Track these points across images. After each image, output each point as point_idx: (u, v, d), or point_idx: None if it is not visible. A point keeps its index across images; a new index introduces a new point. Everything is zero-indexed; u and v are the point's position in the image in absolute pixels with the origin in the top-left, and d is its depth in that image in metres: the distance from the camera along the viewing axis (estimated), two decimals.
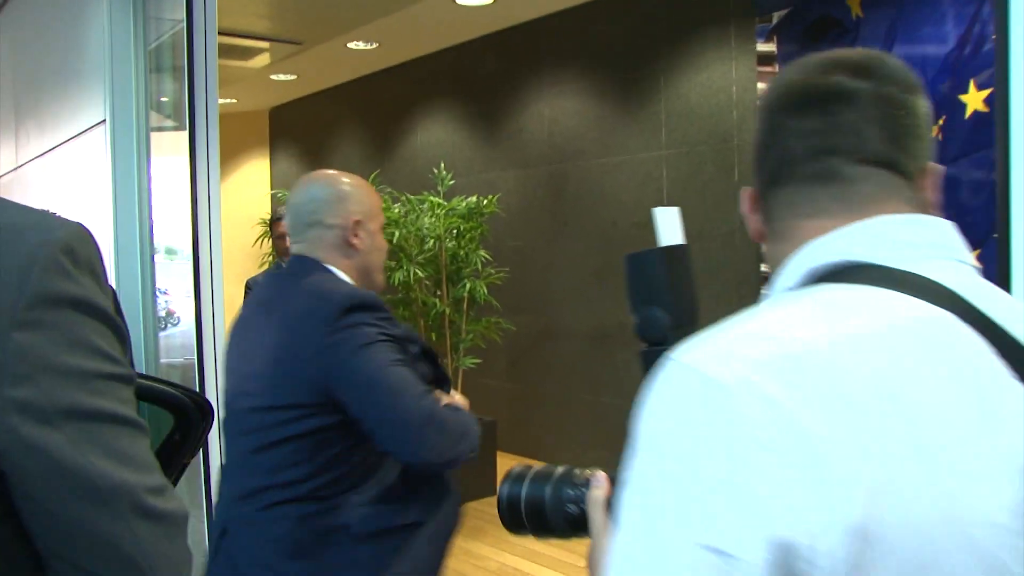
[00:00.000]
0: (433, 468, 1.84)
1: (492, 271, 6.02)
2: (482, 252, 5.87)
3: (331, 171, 1.93)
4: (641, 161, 5.95)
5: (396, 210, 5.67)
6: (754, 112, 5.34)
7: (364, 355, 1.66)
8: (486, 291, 5.78)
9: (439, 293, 5.78)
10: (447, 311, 5.69)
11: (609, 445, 6.18)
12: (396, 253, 5.61)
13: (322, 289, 1.74)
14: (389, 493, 1.78)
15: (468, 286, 5.70)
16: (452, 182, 6.03)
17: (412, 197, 5.82)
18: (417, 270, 5.51)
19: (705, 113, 5.54)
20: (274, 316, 1.78)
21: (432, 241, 5.68)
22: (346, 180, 1.89)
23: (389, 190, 5.85)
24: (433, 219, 5.68)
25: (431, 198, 5.75)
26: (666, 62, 5.76)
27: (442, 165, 6.09)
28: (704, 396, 0.68)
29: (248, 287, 4.49)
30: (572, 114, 6.46)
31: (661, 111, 5.82)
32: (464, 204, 5.82)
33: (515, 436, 6.88)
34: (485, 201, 5.89)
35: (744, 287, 5.17)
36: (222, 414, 1.86)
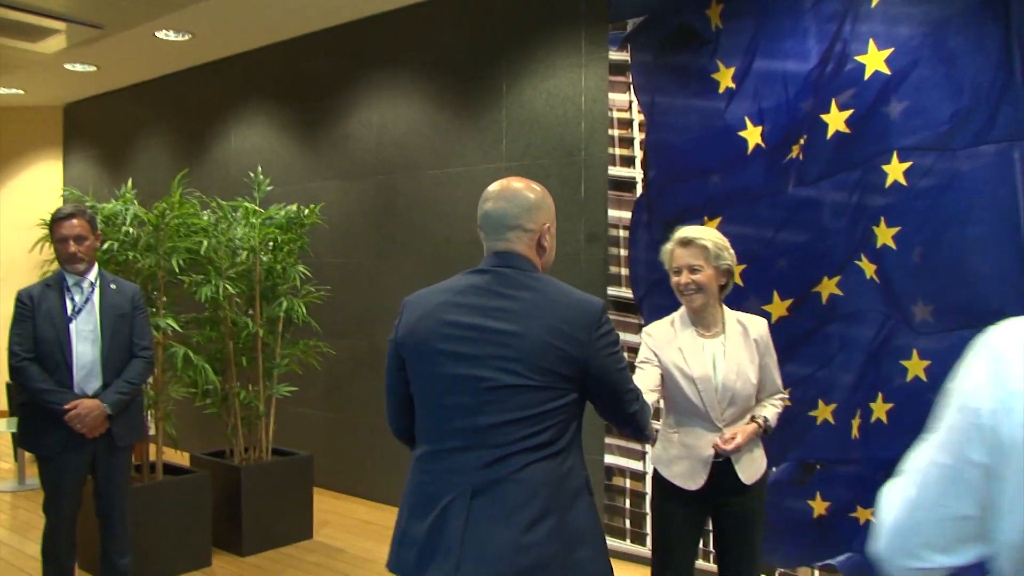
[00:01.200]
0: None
1: (312, 289, 5.47)
2: (301, 267, 5.29)
3: (524, 179, 2.19)
4: (479, 173, 5.53)
5: (206, 217, 5.01)
6: (604, 124, 5.08)
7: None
8: (304, 311, 5.20)
9: (251, 312, 5.15)
10: (260, 332, 5.07)
11: None
12: (204, 266, 4.94)
13: (572, 294, 2.10)
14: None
15: (285, 305, 5.11)
16: (270, 188, 5.41)
17: (225, 203, 5.16)
18: (227, 285, 4.86)
19: (551, 124, 5.18)
20: (530, 309, 2.04)
21: (245, 253, 5.05)
22: (538, 189, 2.19)
23: (198, 195, 5.17)
24: (248, 228, 5.05)
25: (246, 204, 5.12)
26: (509, 68, 5.37)
27: (259, 169, 5.45)
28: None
29: (22, 301, 3.74)
30: (404, 121, 5.97)
31: (502, 120, 5.42)
32: (283, 213, 5.22)
33: (333, 471, 6.28)
34: (307, 211, 5.30)
35: None
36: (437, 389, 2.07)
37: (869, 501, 4.01)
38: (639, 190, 4.73)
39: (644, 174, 4.71)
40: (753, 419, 2.94)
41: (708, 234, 2.93)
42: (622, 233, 4.81)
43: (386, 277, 6.09)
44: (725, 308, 3.01)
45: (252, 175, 5.44)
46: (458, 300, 2.09)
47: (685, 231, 2.94)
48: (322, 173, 6.53)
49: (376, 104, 6.15)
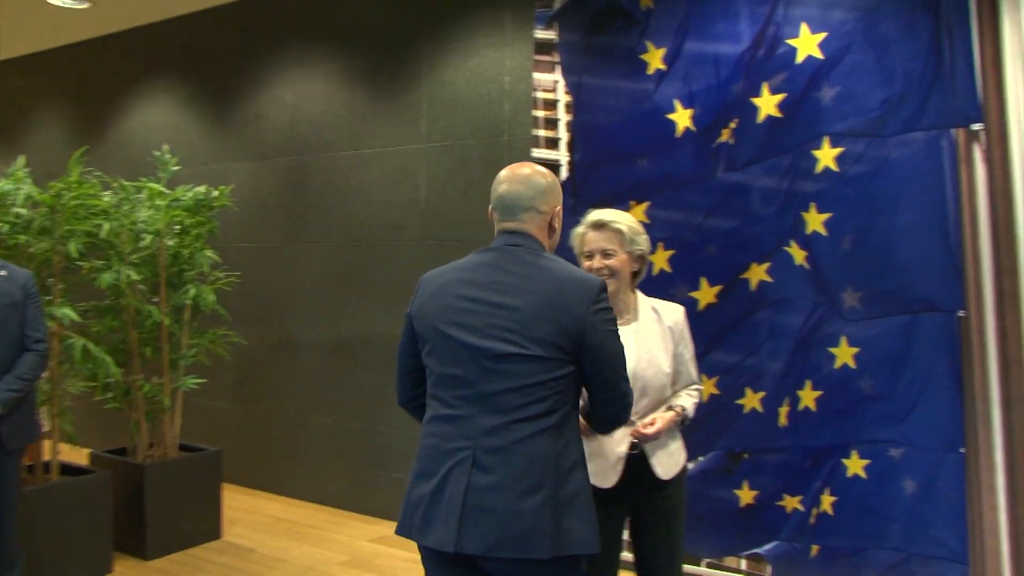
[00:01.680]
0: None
1: (221, 275, 5.19)
2: (209, 253, 5.00)
3: (536, 165, 2.33)
4: (397, 155, 5.33)
5: (107, 198, 4.69)
6: (529, 104, 4.94)
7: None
8: (213, 298, 4.92)
9: (156, 300, 4.86)
10: (165, 321, 4.79)
11: (351, 475, 5.49)
12: (105, 251, 4.64)
13: (573, 271, 2.21)
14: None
15: (192, 292, 4.83)
16: (177, 168, 5.11)
17: (128, 184, 4.85)
18: (130, 272, 4.56)
19: (473, 104, 5.01)
20: (531, 283, 2.16)
21: (150, 237, 4.74)
22: (549, 173, 2.33)
23: (98, 174, 4.84)
24: (152, 211, 4.75)
25: (151, 185, 4.82)
26: (430, 46, 5.18)
27: (165, 148, 5.15)
28: None
29: None
30: (318, 100, 5.73)
31: (422, 100, 5.23)
32: (191, 195, 4.92)
33: (243, 466, 6.02)
34: (216, 192, 5.02)
35: None
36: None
37: (797, 489, 3.97)
38: (564, 173, 4.60)
39: (570, 157, 4.58)
40: (671, 408, 2.81)
41: (622, 218, 2.80)
42: None
43: (299, 262, 5.84)
44: (639, 294, 2.87)
45: (157, 154, 5.13)
46: (467, 276, 2.23)
47: (598, 214, 2.81)
48: (232, 153, 6.23)
49: (289, 81, 5.88)
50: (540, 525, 2.05)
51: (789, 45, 3.94)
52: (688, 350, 2.87)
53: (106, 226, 4.49)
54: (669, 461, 2.80)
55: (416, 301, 2.30)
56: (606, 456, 2.70)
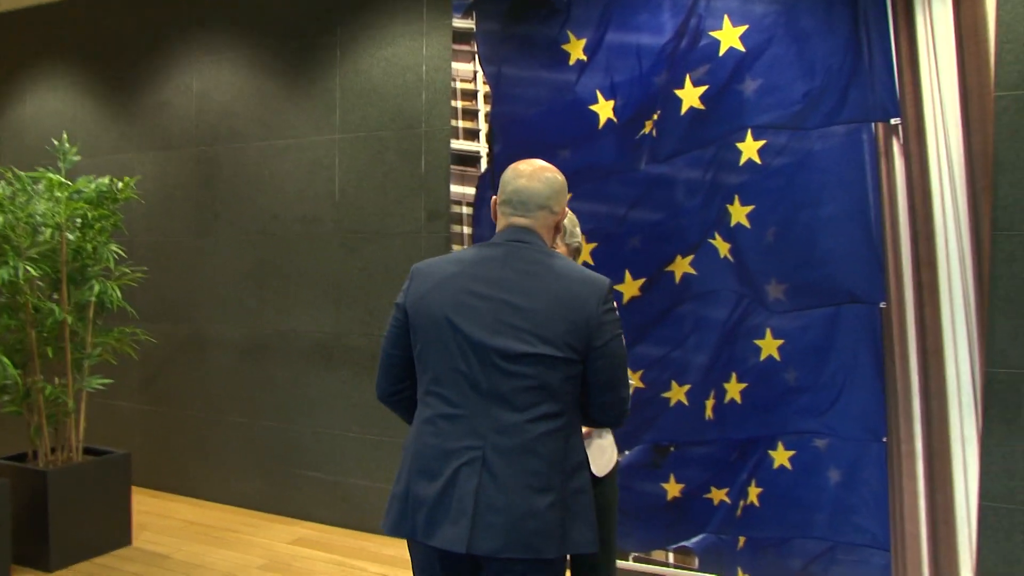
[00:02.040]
0: None
1: (127, 270, 4.97)
2: (114, 247, 4.77)
3: (548, 164, 2.31)
4: (310, 146, 5.17)
5: (0, 190, 4.43)
6: (447, 95, 4.84)
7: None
8: (119, 295, 4.69)
9: (57, 296, 4.61)
10: (68, 319, 4.54)
11: (267, 476, 5.33)
12: (0, 245, 4.38)
13: (582, 270, 2.19)
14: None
15: (96, 288, 4.60)
16: (77, 158, 4.85)
17: (23, 174, 4.58)
18: (28, 267, 4.32)
19: (389, 94, 4.88)
20: (542, 282, 2.14)
21: (49, 231, 4.50)
22: (562, 175, 2.32)
23: None
24: (51, 203, 4.50)
25: (50, 176, 4.56)
26: (344, 33, 5.03)
27: (64, 136, 4.89)
28: None
29: None
30: (227, 88, 5.52)
31: (336, 89, 5.07)
32: (93, 186, 4.68)
33: (153, 469, 5.80)
34: (120, 184, 4.79)
35: None
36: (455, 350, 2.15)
37: (723, 482, 3.99)
38: (484, 165, 4.52)
39: (489, 148, 4.51)
40: None
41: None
42: (465, 210, 4.59)
43: (208, 257, 5.63)
44: None
45: (56, 143, 4.86)
46: (473, 271, 2.19)
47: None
48: (136, 143, 5.96)
49: (196, 69, 5.65)
50: (549, 525, 2.06)
51: (712, 37, 3.93)
52: None
53: (1, 219, 4.24)
54: (602, 458, 2.78)
55: (412, 291, 2.24)
56: None
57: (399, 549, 4.70)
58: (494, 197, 2.30)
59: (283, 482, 5.33)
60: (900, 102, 3.63)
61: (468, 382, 2.12)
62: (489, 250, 2.22)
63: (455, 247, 4.60)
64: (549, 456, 2.08)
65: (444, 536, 2.06)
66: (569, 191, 4.22)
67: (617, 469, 2.89)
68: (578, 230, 2.82)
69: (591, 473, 2.73)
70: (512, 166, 2.31)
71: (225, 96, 5.52)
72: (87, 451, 4.85)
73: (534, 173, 2.27)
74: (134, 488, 5.00)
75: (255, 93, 5.40)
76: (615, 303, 2.21)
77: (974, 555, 3.56)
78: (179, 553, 4.66)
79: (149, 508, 5.42)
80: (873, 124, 3.67)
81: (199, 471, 5.69)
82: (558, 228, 2.31)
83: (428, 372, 2.19)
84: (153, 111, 5.85)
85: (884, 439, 3.67)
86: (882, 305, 3.66)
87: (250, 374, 5.46)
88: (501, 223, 2.28)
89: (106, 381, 4.79)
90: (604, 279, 2.17)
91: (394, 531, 2.17)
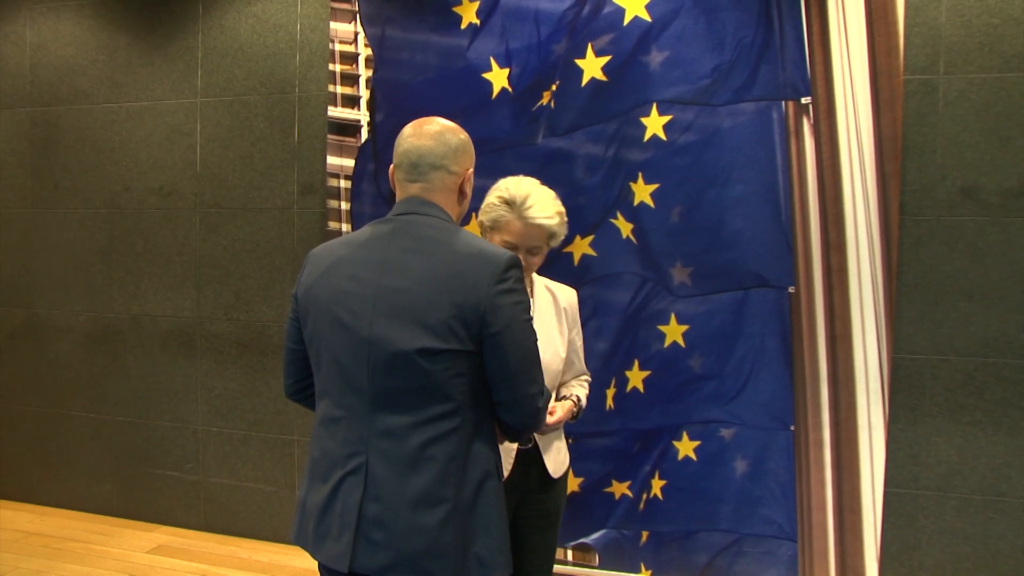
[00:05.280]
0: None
1: None
2: None
3: (447, 121, 2.04)
4: (167, 109, 4.67)
5: None
6: (324, 57, 4.45)
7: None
8: None
9: None
10: None
11: (118, 476, 4.86)
12: None
13: (481, 244, 1.92)
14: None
15: None
16: None
17: None
18: None
19: (259, 55, 4.45)
20: (427, 261, 1.88)
21: None
22: (464, 132, 2.05)
23: None
24: None
25: None
26: None
27: None
28: None
29: None
30: (69, 42, 4.93)
31: (198, 48, 4.59)
32: None
33: None
34: None
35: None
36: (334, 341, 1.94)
37: (625, 475, 3.82)
38: (364, 135, 4.18)
39: (370, 117, 4.17)
40: (566, 397, 2.59)
41: (553, 208, 2.47)
42: (343, 184, 4.24)
43: (49, 232, 5.05)
44: (534, 274, 2.62)
45: None
46: (358, 254, 1.96)
47: (531, 200, 2.45)
48: None
49: (29, 16, 5.02)
50: (442, 544, 1.84)
51: (616, 5, 3.71)
52: (580, 337, 2.69)
53: None
54: (558, 458, 2.61)
55: (303, 280, 2.03)
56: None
57: (273, 555, 4.34)
58: (392, 165, 2.06)
59: (138, 484, 4.85)
60: (811, 81, 3.51)
61: (348, 381, 1.91)
62: (379, 227, 1.99)
63: (332, 224, 4.24)
64: (443, 464, 1.85)
65: (328, 552, 1.89)
66: None
67: (568, 475, 2.70)
68: (564, 228, 2.52)
69: (548, 476, 2.54)
70: (406, 126, 2.06)
71: (66, 51, 4.93)
72: None
73: (422, 131, 2.02)
74: None
75: (103, 48, 4.83)
76: (522, 283, 1.92)
77: (878, 541, 3.52)
78: (16, 571, 4.13)
79: None
80: (783, 103, 3.54)
81: (39, 474, 5.12)
82: (463, 192, 2.05)
83: (319, 369, 1.99)
84: None
85: (792, 428, 3.57)
86: (791, 290, 3.55)
87: (98, 363, 4.93)
88: (399, 193, 2.04)
89: None
90: (503, 253, 1.89)
91: (295, 539, 1.99)
